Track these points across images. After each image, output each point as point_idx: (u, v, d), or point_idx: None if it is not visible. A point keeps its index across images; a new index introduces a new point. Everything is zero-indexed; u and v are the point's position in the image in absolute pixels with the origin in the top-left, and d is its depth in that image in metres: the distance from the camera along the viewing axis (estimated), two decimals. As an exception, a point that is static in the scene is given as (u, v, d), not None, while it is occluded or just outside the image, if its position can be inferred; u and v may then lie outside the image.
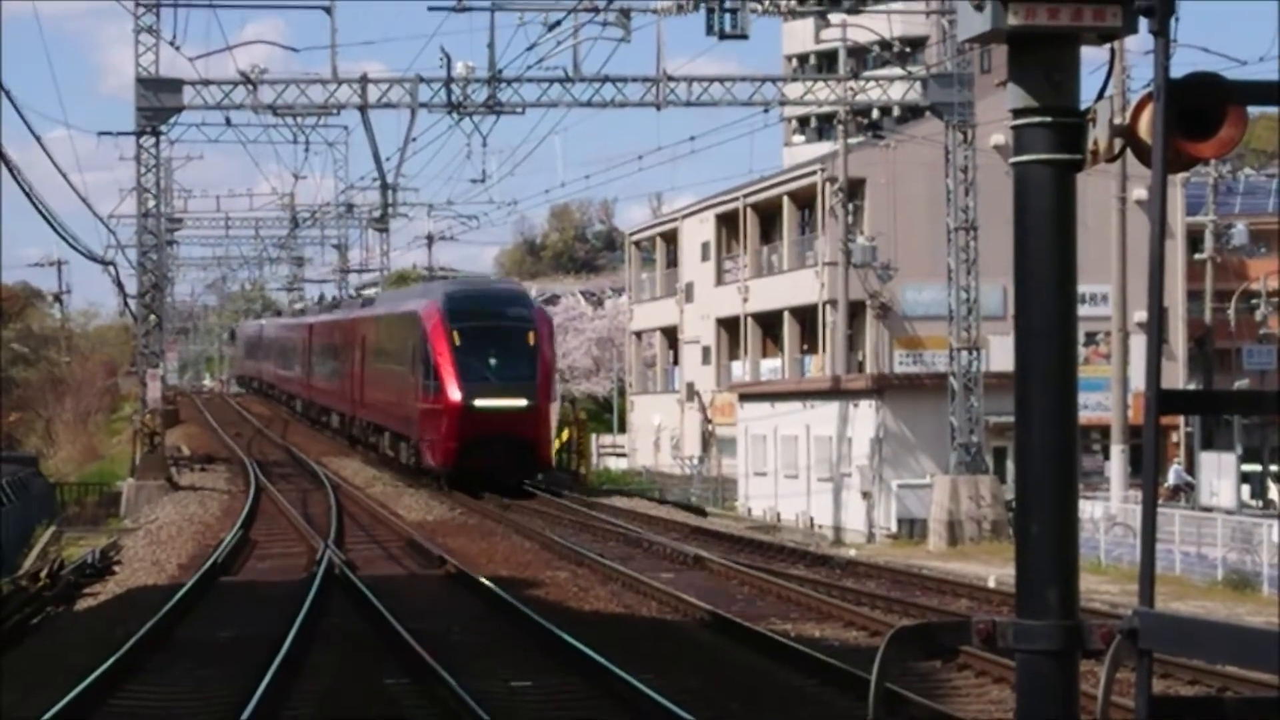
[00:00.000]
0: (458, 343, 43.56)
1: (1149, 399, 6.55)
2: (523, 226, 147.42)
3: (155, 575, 30.49)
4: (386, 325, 52.35)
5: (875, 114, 56.61)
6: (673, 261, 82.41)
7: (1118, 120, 6.88)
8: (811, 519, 53.79)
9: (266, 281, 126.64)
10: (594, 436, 72.80)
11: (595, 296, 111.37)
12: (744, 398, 62.01)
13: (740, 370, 72.27)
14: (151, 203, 46.52)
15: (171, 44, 45.13)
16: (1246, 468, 46.58)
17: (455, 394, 43.20)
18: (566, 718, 17.49)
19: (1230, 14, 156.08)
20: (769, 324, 71.10)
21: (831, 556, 34.43)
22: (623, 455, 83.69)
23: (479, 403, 43.03)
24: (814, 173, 65.01)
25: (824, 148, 79.48)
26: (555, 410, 45.99)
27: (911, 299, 61.32)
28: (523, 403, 43.13)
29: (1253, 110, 6.90)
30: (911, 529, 47.34)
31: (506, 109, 43.93)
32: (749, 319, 71.79)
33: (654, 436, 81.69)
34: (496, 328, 44.01)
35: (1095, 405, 47.79)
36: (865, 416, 50.75)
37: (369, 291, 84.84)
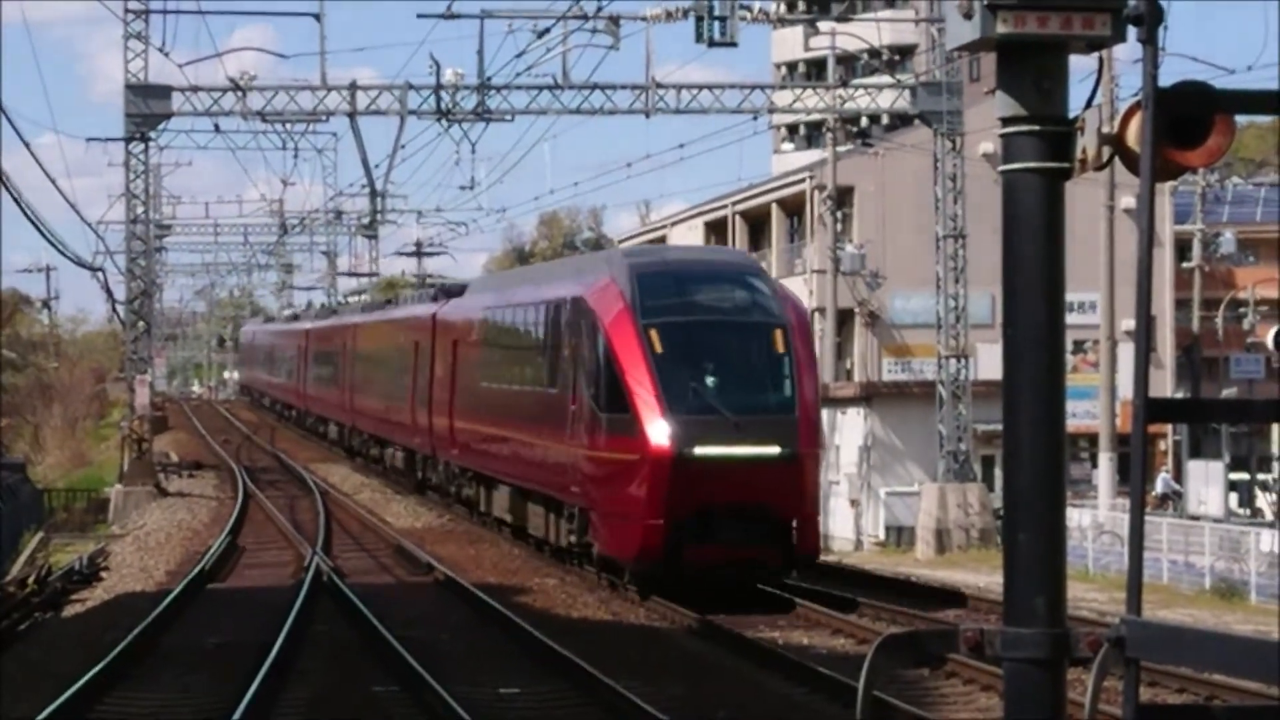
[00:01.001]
0: (659, 349, 26.78)
1: (1137, 407, 6.55)
2: (511, 234, 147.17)
3: (143, 582, 30.45)
4: (507, 321, 35.93)
5: (864, 122, 56.68)
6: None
7: (1106, 129, 6.89)
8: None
9: (255, 288, 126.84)
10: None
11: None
12: (732, 405, 61.88)
13: (729, 377, 72.12)
14: (140, 209, 46.45)
15: (161, 50, 45.04)
16: (1234, 476, 46.55)
17: (660, 436, 26.15)
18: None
19: (1218, 22, 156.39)
20: (758, 331, 70.96)
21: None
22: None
23: (702, 451, 26.14)
24: (802, 180, 64.95)
25: (813, 155, 79.47)
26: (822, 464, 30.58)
27: (900, 307, 61.33)
28: (774, 451, 26.37)
29: (1241, 119, 6.90)
30: (899, 537, 47.31)
31: (495, 116, 43.87)
32: (738, 326, 71.60)
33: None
34: (723, 324, 27.70)
35: (1083, 413, 47.77)
36: (853, 424, 50.71)
37: (353, 297, 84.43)
